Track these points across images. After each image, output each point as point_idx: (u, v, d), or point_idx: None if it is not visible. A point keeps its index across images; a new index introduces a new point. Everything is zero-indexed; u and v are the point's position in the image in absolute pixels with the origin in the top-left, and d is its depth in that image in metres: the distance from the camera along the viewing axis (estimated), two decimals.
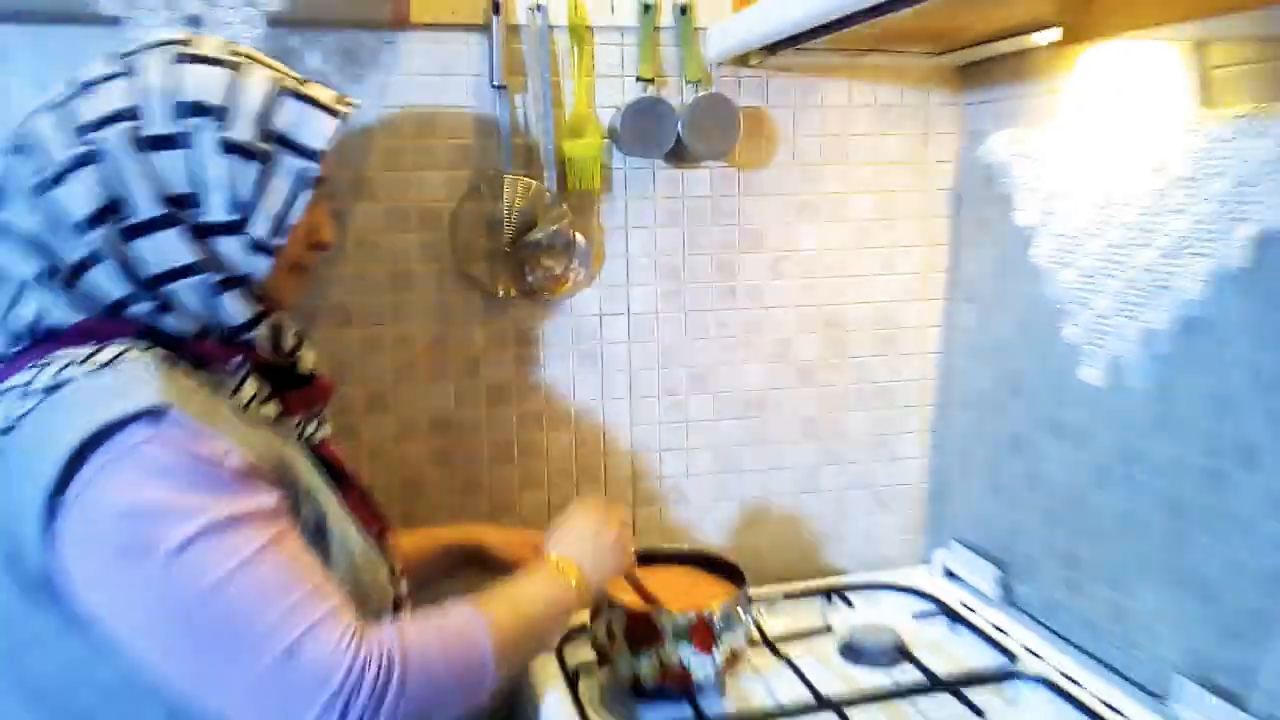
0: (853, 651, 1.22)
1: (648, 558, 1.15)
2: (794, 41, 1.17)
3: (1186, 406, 1.01)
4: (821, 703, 1.08)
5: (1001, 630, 1.26)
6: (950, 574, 1.43)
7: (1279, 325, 0.90)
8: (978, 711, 1.07)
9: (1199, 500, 1.00)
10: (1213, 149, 0.93)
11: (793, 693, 1.12)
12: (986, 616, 1.30)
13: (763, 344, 1.42)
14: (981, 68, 1.35)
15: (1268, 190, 0.88)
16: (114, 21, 1.08)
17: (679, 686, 1.08)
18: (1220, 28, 0.91)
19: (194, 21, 1.10)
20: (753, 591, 1.17)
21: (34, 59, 1.12)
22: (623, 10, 1.28)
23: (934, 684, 1.12)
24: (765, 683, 1.16)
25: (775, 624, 1.29)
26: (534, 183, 1.28)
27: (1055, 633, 1.24)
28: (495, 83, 1.25)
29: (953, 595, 1.37)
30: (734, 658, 1.10)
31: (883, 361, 1.46)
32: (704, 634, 1.06)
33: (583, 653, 1.17)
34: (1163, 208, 1.00)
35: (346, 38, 1.21)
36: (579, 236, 1.31)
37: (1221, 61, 0.97)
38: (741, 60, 1.32)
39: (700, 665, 1.07)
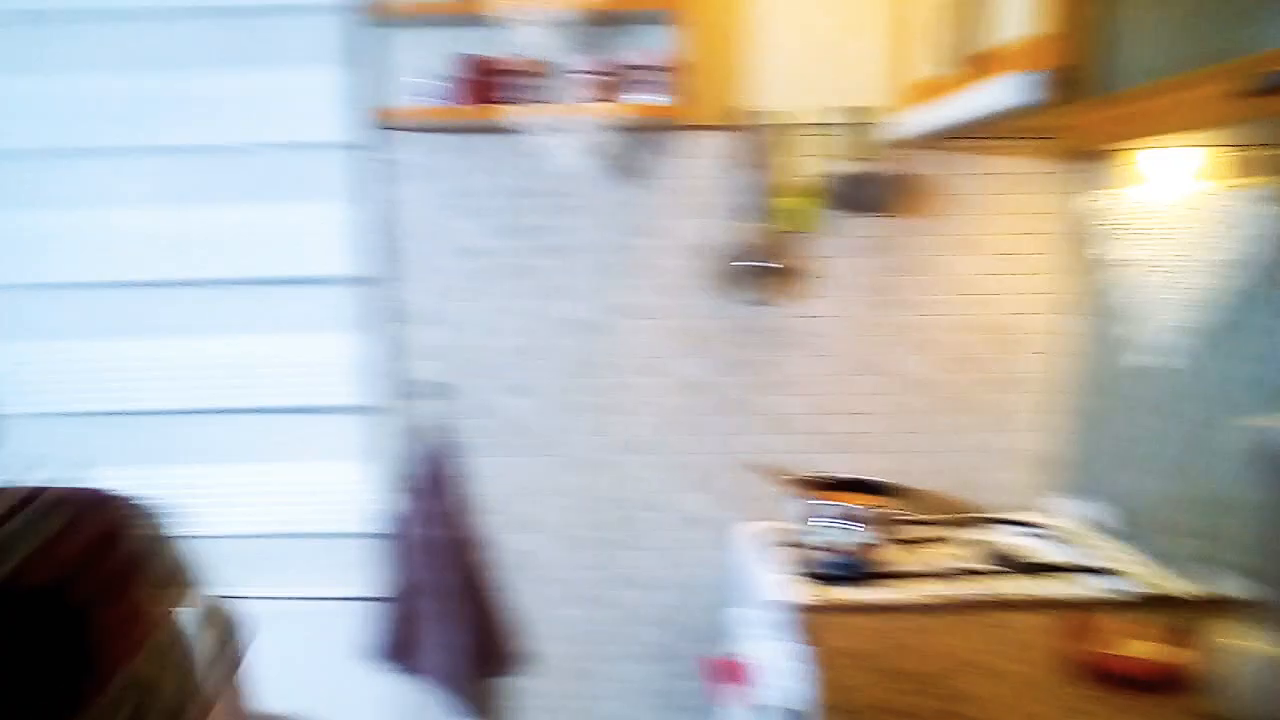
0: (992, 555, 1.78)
1: (826, 484, 1.76)
2: (949, 132, 1.76)
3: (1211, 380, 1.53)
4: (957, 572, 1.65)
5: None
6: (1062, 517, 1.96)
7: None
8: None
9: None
10: (1219, 208, 1.46)
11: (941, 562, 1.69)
12: (1090, 541, 1.82)
13: (922, 342, 1.99)
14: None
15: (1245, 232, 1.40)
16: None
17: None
18: (1219, 137, 1.43)
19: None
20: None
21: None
22: (814, 111, 1.91)
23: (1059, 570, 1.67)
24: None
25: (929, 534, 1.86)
26: (761, 225, 1.92)
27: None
28: (732, 159, 1.90)
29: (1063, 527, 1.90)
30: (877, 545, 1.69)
31: (1003, 358, 2.00)
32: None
33: None
34: (1199, 247, 1.53)
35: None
36: (790, 263, 1.94)
37: (1224, 151, 1.49)
38: (909, 142, 1.91)
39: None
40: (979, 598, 1.57)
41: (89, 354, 2.00)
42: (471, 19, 1.83)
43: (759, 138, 1.91)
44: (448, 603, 1.96)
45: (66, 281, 1.97)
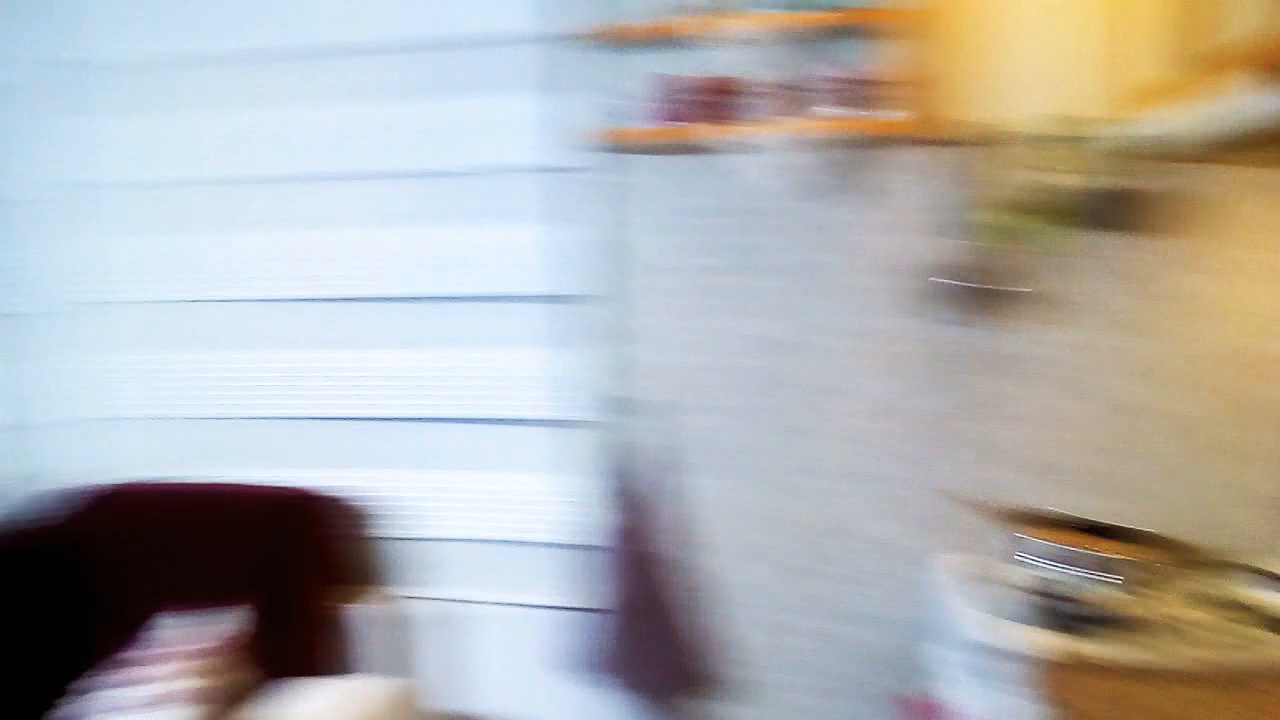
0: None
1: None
2: (1193, 140, 1.61)
3: None
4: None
5: None
6: None
7: None
8: None
9: None
10: None
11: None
12: None
13: (1156, 371, 1.83)
14: None
15: None
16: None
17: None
18: None
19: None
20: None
21: None
22: (1030, 120, 1.79)
23: None
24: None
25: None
26: (971, 242, 1.82)
27: None
28: (940, 173, 1.81)
29: None
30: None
31: (1255, 389, 1.80)
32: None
33: None
34: None
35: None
36: (1002, 283, 1.83)
37: None
38: (1142, 152, 1.76)
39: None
40: (1245, 665, 1.39)
41: (312, 364, 2.15)
42: (675, 40, 1.85)
43: (970, 150, 1.82)
44: (645, 619, 1.97)
45: (294, 297, 2.13)
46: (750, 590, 2.06)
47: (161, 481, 2.05)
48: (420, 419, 2.12)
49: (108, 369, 2.20)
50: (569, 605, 2.07)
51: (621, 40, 1.89)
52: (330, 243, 2.10)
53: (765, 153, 1.85)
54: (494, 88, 2.00)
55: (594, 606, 2.01)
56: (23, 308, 2.22)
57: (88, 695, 1.68)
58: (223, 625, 1.77)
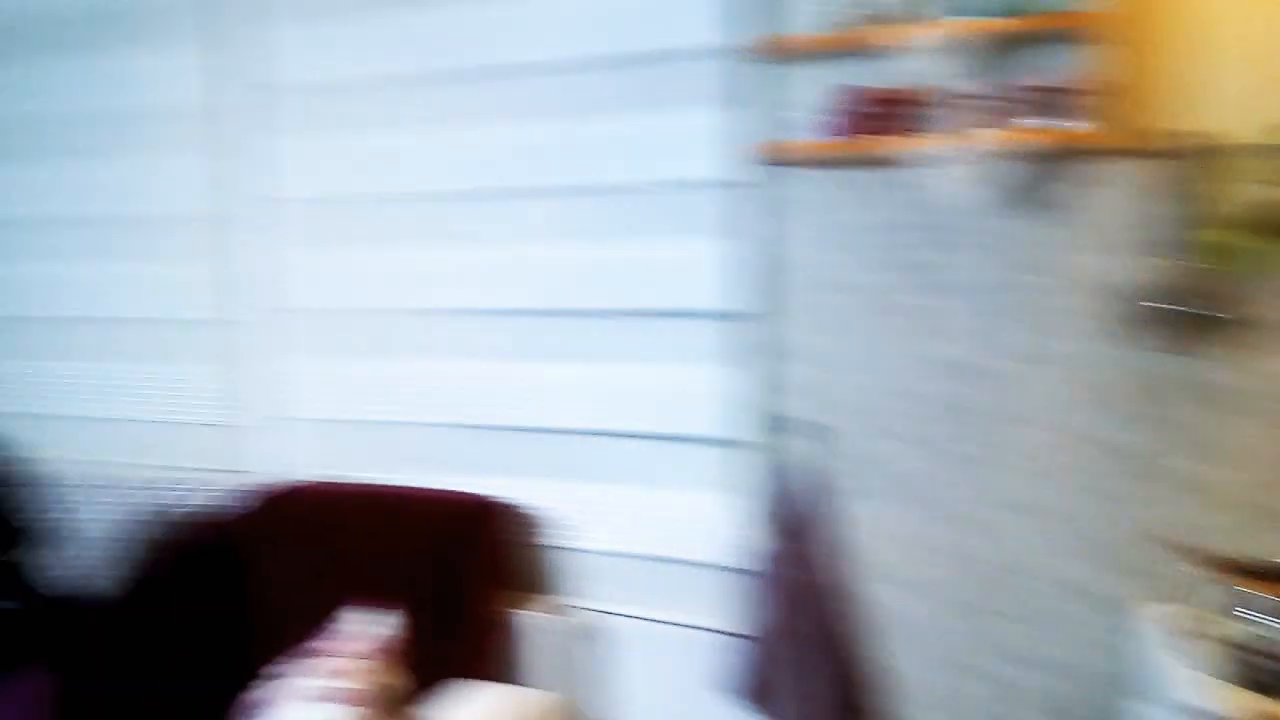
0: None
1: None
2: None
3: None
4: None
5: None
6: None
7: None
8: None
9: None
10: None
11: None
12: None
13: None
14: None
15: None
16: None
17: None
18: None
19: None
20: None
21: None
22: (1256, 130, 1.62)
23: None
24: None
25: None
26: (1187, 263, 1.67)
27: None
28: (1151, 188, 1.67)
29: None
30: None
31: None
32: None
33: None
34: None
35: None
36: (1224, 308, 1.66)
37: None
38: None
39: None
40: None
41: (485, 374, 2.20)
42: (855, 50, 1.79)
43: (1179, 163, 1.66)
44: (808, 649, 1.90)
45: (472, 308, 2.19)
46: (918, 626, 1.95)
47: (341, 481, 2.14)
48: (586, 432, 2.13)
49: (301, 373, 2.33)
50: (724, 628, 2.02)
51: (799, 52, 1.85)
52: (507, 256, 2.15)
53: (951, 166, 1.76)
54: (669, 102, 2.00)
55: (749, 631, 1.95)
56: (229, 315, 2.38)
57: (262, 685, 1.77)
58: (387, 626, 1.83)
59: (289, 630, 1.88)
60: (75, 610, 1.69)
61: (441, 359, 2.22)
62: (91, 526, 2.04)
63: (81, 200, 2.47)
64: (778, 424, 1.98)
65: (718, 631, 2.04)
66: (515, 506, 2.08)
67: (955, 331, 1.86)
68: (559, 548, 2.13)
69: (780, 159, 1.89)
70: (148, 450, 2.42)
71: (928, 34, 1.72)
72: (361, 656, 1.74)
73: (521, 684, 1.96)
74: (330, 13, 2.22)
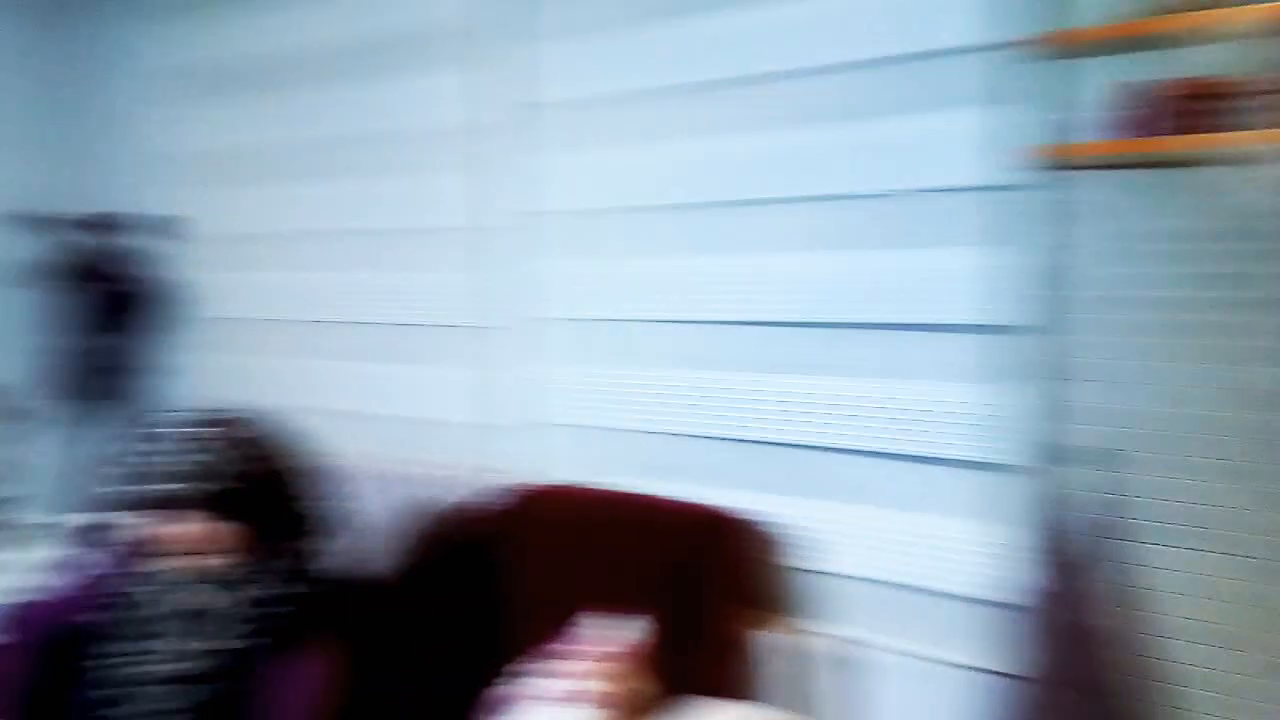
0: None
1: None
2: None
3: None
4: None
5: None
6: None
7: None
8: None
9: None
10: None
11: None
12: None
13: None
14: None
15: None
16: None
17: None
18: None
19: None
20: None
21: None
22: None
23: None
24: None
25: None
26: None
27: None
28: None
29: None
30: None
31: None
32: None
33: None
34: None
35: None
36: None
37: None
38: None
39: None
40: None
41: (734, 385, 2.18)
42: (1144, 41, 1.62)
43: None
44: (1081, 702, 1.73)
45: (724, 319, 2.18)
46: (1216, 685, 1.72)
47: (591, 486, 2.19)
48: (837, 449, 2.06)
49: (556, 379, 2.41)
50: (984, 667, 1.88)
51: (1077, 46, 1.70)
52: (761, 266, 2.13)
53: (1262, 165, 1.55)
54: (932, 105, 1.90)
55: (1012, 673, 1.80)
56: (491, 321, 2.51)
57: (510, 682, 1.83)
58: (632, 632, 1.84)
59: (534, 629, 1.94)
60: (355, 593, 1.83)
61: (693, 369, 2.22)
62: (367, 516, 2.21)
63: (359, 215, 2.70)
64: (1053, 450, 1.82)
65: (973, 669, 1.90)
66: (761, 522, 2.04)
67: (1265, 352, 1.64)
68: (805, 569, 2.07)
69: (1062, 162, 1.74)
70: (416, 446, 2.59)
71: (1234, 19, 1.52)
72: (609, 660, 1.76)
73: (758, 703, 1.91)
74: (589, 30, 2.29)
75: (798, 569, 2.08)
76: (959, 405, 1.91)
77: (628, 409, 2.29)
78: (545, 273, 2.40)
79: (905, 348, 1.97)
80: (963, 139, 1.87)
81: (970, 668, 1.91)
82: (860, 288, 2.01)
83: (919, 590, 1.98)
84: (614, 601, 1.90)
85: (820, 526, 2.06)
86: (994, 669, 1.85)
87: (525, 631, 1.96)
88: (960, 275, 1.89)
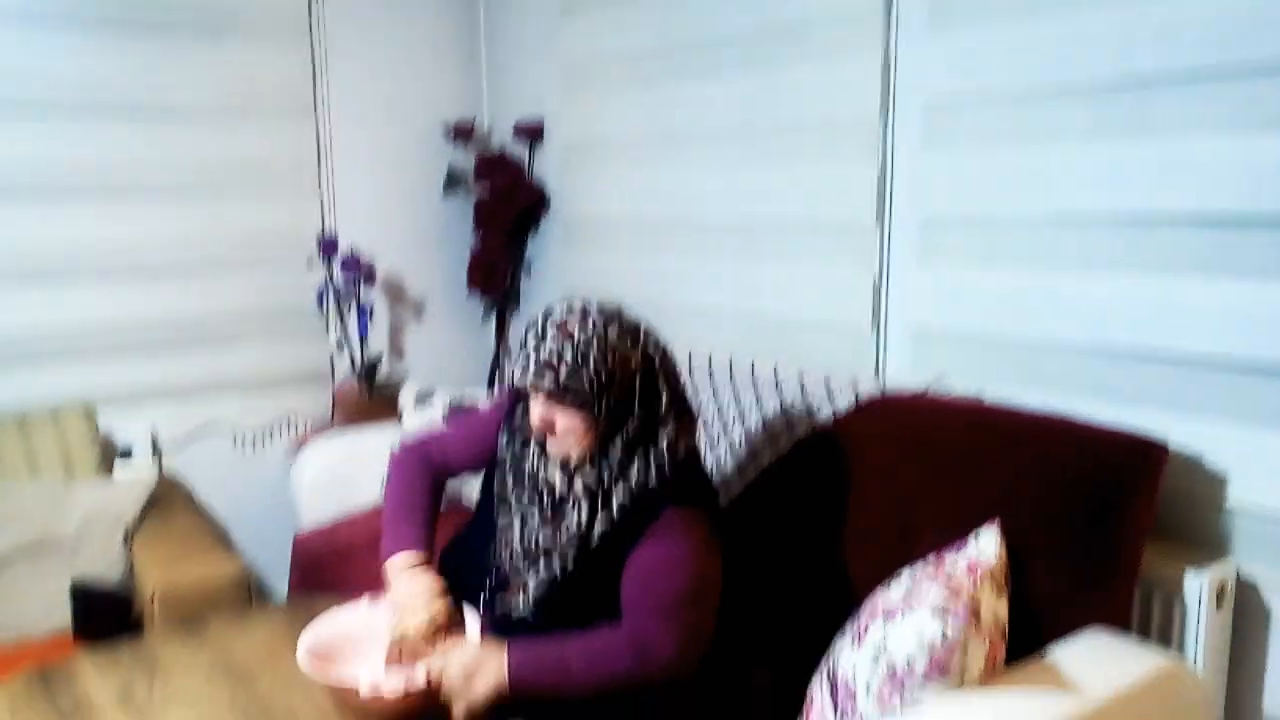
0: None
1: None
2: None
3: None
4: None
5: None
6: None
7: None
8: None
9: None
10: None
11: None
12: None
13: None
14: None
15: None
16: None
17: None
18: None
19: None
20: None
21: None
22: None
23: None
24: None
25: None
26: None
27: None
28: None
29: None
30: None
31: None
32: None
33: None
34: None
35: None
36: None
37: None
38: None
39: None
40: None
41: (1149, 291, 1.86)
42: None
43: None
44: None
45: (1140, 213, 1.86)
46: None
47: (976, 399, 2.01)
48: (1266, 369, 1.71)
49: (944, 284, 2.24)
50: None
51: None
52: (1173, 149, 1.78)
53: None
54: None
55: None
56: (872, 220, 2.33)
57: (875, 592, 1.75)
58: (997, 550, 1.68)
59: (895, 538, 1.84)
60: (713, 489, 1.84)
61: (1095, 274, 1.93)
62: (734, 414, 2.22)
63: (753, 202, 2.62)
64: None
65: None
66: (1171, 449, 1.73)
67: None
68: (1224, 506, 1.77)
69: None
70: (789, 347, 2.52)
71: None
72: (975, 578, 1.63)
73: (1161, 647, 1.69)
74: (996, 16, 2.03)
75: (1216, 507, 1.78)
76: None
77: (1022, 317, 2.05)
78: (934, 168, 2.20)
79: None
80: None
81: None
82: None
83: None
84: (994, 520, 1.73)
85: (1247, 459, 1.74)
86: None
87: (888, 540, 1.86)
88: None
